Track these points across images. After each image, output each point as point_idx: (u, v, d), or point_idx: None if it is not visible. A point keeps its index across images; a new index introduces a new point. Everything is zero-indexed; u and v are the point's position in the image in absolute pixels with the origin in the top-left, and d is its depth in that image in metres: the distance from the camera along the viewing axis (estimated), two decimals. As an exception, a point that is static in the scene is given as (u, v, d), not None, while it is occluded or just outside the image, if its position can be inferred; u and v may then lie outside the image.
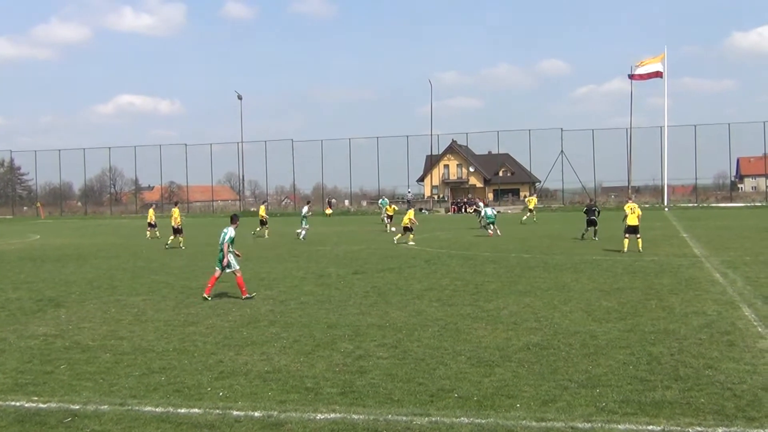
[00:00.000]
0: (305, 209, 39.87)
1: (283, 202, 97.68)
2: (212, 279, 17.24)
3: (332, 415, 8.13)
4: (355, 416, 8.09)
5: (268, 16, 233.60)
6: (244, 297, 16.83)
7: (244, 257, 28.14)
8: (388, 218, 44.08)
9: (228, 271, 17.13)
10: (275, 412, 8.28)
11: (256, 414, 8.25)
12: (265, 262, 25.80)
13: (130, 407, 8.61)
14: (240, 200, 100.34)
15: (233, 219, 17.81)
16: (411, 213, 34.81)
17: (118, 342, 12.40)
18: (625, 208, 27.80)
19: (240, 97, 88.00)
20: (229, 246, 17.16)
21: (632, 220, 26.70)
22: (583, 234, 33.52)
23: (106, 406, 8.65)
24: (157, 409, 8.52)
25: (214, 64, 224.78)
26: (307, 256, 27.94)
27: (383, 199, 56.78)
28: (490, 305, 15.29)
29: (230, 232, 17.25)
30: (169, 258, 28.46)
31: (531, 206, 54.06)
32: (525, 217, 51.52)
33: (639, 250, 25.96)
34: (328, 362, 10.62)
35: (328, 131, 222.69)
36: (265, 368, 10.34)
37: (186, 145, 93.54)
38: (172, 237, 34.41)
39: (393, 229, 40.88)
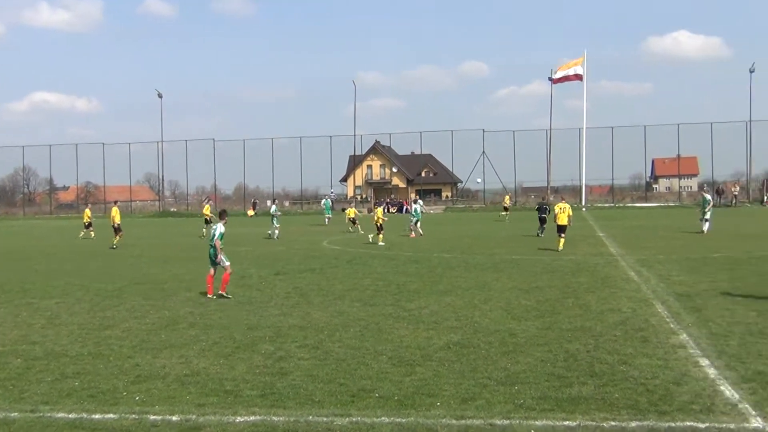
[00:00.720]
0: (273, 207, 39.28)
1: (204, 202, 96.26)
2: (209, 278, 17.15)
3: (252, 418, 8.04)
4: (275, 418, 8.01)
5: (189, 13, 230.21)
6: (219, 292, 16.85)
7: (167, 259, 27.66)
8: (350, 221, 43.15)
9: (220, 266, 17.08)
10: (193, 416, 8.14)
11: (174, 418, 8.09)
12: (184, 263, 25.38)
13: (41, 414, 8.34)
14: (159, 200, 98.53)
15: (222, 215, 17.72)
16: (380, 211, 34.56)
17: (30, 347, 12.00)
18: (555, 207, 28.60)
19: (160, 96, 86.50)
20: (220, 243, 17.03)
21: (561, 220, 27.40)
22: (538, 232, 34.76)
23: (16, 413, 8.36)
24: (70, 416, 8.27)
25: (133, 62, 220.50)
26: (228, 257, 27.51)
27: (326, 200, 56.11)
28: (412, 305, 15.36)
29: (220, 228, 17.24)
30: (84, 260, 27.75)
31: (506, 203, 57.03)
32: (502, 214, 53.66)
33: (557, 249, 26.49)
34: (248, 364, 10.49)
35: (250, 131, 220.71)
36: (184, 371, 10.16)
37: (104, 144, 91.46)
38: (115, 238, 33.66)
39: (362, 231, 40.24)
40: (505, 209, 55.74)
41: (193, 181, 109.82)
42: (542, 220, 34.57)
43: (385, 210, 77.43)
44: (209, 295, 16.80)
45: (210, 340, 12.17)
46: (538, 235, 34.30)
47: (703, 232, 33.18)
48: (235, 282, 19.56)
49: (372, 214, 35.08)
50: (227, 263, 17.07)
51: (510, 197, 63.39)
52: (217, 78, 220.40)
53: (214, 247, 17.08)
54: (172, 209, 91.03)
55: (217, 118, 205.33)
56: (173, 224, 61.27)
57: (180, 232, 48.18)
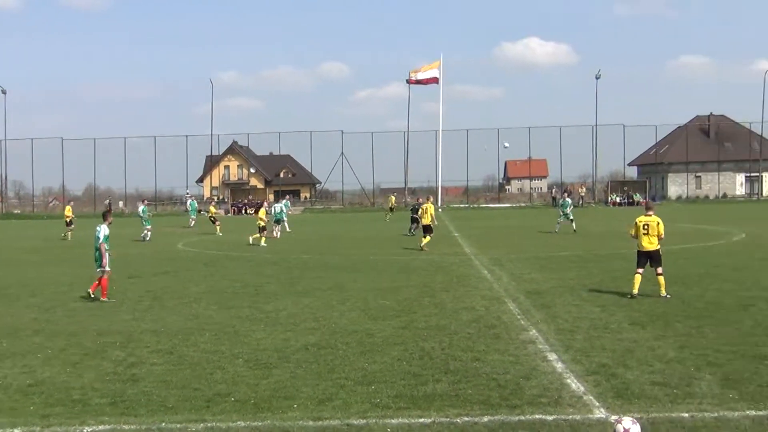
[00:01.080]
0: (142, 207, 38.01)
1: (51, 204, 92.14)
2: (101, 281, 16.39)
3: (101, 427, 7.74)
4: (125, 426, 7.75)
5: (35, 6, 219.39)
6: (102, 299, 16.14)
7: (10, 262, 26.27)
8: (212, 220, 42.10)
9: (98, 270, 16.37)
10: (37, 428, 7.76)
11: (16, 431, 7.69)
12: (30, 267, 24.21)
13: None
14: (2, 202, 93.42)
15: (105, 216, 16.94)
16: (263, 212, 33.96)
17: None
18: (420, 209, 29.66)
19: (4, 92, 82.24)
20: (105, 245, 16.29)
21: (425, 220, 28.21)
22: (410, 230, 35.60)
23: None
24: None
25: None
26: (77, 260, 26.44)
27: (192, 201, 54.43)
28: (269, 307, 15.22)
29: (104, 230, 16.37)
30: None
31: (391, 205, 58.40)
32: (388, 217, 54.02)
33: (420, 248, 26.96)
34: (97, 372, 10.10)
35: (101, 129, 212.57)
36: (27, 381, 9.66)
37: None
38: None
39: (220, 233, 39.24)
40: (391, 209, 56.69)
41: (40, 182, 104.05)
42: (413, 220, 35.29)
43: (243, 212, 76.65)
44: (91, 293, 16.38)
45: (56, 348, 11.64)
46: (409, 232, 35.15)
47: (556, 231, 34.69)
48: (84, 287, 18.79)
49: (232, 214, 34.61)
50: (107, 268, 16.37)
51: (395, 198, 64.51)
52: (67, 74, 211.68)
53: (98, 249, 16.32)
54: (15, 211, 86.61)
55: (66, 116, 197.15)
56: (17, 227, 58.32)
57: (25, 235, 45.92)
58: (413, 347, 11.15)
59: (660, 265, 15.28)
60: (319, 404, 8.39)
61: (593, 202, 77.77)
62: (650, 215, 15.51)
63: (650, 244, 15.32)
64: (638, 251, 15.50)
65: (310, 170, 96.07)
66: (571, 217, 35.34)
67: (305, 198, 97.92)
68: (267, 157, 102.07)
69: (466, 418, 7.78)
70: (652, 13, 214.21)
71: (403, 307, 14.80)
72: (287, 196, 52.23)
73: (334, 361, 10.39)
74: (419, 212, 29.85)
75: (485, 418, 7.78)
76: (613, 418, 7.47)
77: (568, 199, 37.72)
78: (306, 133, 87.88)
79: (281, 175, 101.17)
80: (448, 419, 7.76)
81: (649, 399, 8.33)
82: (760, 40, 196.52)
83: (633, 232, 15.67)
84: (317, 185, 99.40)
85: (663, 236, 15.46)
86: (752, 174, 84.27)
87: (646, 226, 15.34)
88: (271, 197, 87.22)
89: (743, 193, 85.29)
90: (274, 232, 36.18)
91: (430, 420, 7.76)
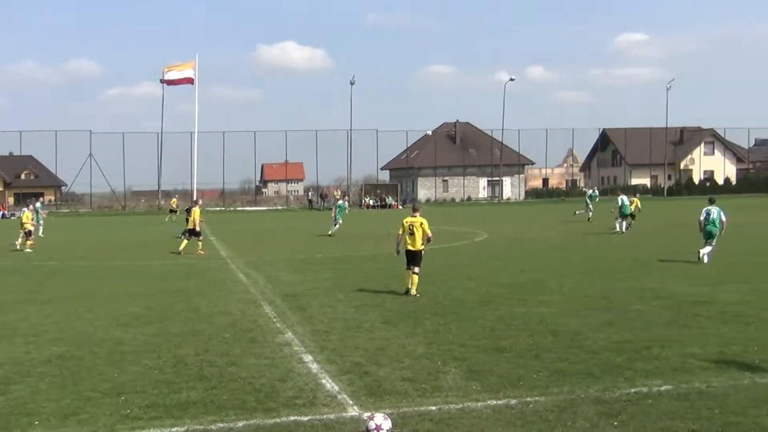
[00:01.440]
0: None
1: None
2: None
3: None
4: None
5: None
6: None
7: None
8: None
9: None
10: None
11: None
12: None
13: None
14: None
15: None
16: (28, 215, 31.02)
17: None
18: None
19: None
20: None
21: (189, 224, 27.52)
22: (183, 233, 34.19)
23: None
24: None
25: None
26: None
27: None
28: (8, 317, 14.17)
29: None
30: None
31: (173, 206, 56.20)
32: (169, 216, 52.48)
33: (199, 252, 26.37)
34: None
35: None
36: None
37: None
38: None
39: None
40: (172, 211, 54.48)
41: None
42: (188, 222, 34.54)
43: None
44: None
45: None
46: (181, 236, 34.25)
47: (332, 234, 35.10)
48: None
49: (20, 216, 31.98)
50: None
51: (177, 200, 62.17)
52: None
53: None
54: None
55: None
56: None
57: None
58: (166, 354, 10.84)
59: (419, 266, 15.93)
60: (63, 419, 7.91)
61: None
62: (416, 216, 16.16)
63: (416, 243, 15.94)
64: (406, 250, 16.08)
65: (55, 172, 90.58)
66: (341, 221, 35.93)
67: (50, 201, 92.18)
68: (6, 157, 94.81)
69: (221, 424, 7.68)
70: (404, 23, 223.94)
71: (156, 314, 14.35)
72: (40, 199, 48.96)
73: (81, 373, 9.86)
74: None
75: (240, 423, 7.71)
76: (366, 415, 7.67)
77: (346, 202, 38.57)
78: (51, 132, 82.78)
79: (22, 176, 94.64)
80: (203, 426, 7.62)
81: (399, 394, 8.65)
82: (500, 52, 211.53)
83: (400, 231, 16.22)
84: (63, 188, 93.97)
85: (430, 234, 16.15)
86: (494, 178, 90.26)
87: (411, 227, 15.97)
88: (11, 200, 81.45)
89: (486, 196, 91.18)
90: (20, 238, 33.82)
91: (183, 428, 7.57)
